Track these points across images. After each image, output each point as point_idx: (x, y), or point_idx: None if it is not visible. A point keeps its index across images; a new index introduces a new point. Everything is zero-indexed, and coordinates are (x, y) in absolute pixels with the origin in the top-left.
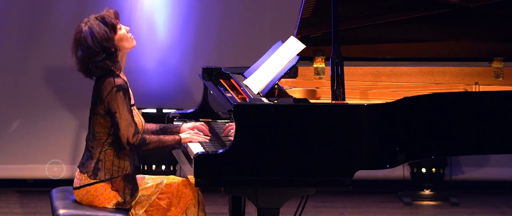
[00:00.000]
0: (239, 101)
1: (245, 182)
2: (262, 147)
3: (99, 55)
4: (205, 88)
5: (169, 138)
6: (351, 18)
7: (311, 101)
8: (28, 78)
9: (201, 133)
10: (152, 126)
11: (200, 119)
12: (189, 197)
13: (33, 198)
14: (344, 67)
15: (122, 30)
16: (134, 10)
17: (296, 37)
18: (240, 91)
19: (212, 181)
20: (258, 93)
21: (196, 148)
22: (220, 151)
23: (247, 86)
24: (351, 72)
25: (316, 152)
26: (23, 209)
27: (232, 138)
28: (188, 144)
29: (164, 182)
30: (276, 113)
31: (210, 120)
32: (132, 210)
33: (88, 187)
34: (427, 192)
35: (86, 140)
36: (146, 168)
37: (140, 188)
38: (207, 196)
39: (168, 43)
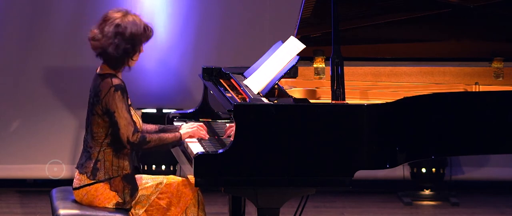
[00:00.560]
0: (239, 101)
1: (245, 182)
2: (262, 147)
3: (124, 45)
4: (205, 88)
5: (169, 135)
6: (351, 18)
7: (311, 101)
8: (28, 78)
9: (202, 129)
10: (151, 127)
11: (200, 119)
12: (189, 197)
13: (33, 198)
14: (344, 67)
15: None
16: (134, 10)
17: (296, 37)
18: (240, 91)
19: (212, 181)
20: (258, 93)
21: (196, 148)
22: (220, 151)
23: (247, 86)
24: (351, 72)
25: (316, 152)
26: (23, 209)
27: (232, 138)
28: (188, 144)
29: (164, 182)
30: (276, 113)
31: (210, 120)
32: (132, 210)
33: (87, 187)
34: (427, 192)
35: (84, 141)
36: (146, 168)
37: (140, 188)
38: (207, 196)
39: (168, 43)
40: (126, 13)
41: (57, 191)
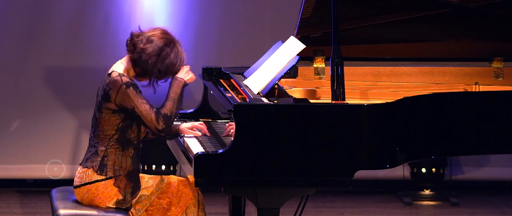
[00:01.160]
0: (239, 101)
1: (245, 182)
2: (262, 147)
3: (155, 68)
4: (205, 88)
5: (174, 89)
6: (351, 18)
7: (311, 101)
8: (28, 78)
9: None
10: None
11: (200, 119)
12: (189, 197)
13: (33, 198)
14: (344, 67)
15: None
16: (134, 10)
17: (296, 37)
18: (240, 91)
19: (212, 181)
20: (258, 93)
21: (196, 148)
22: (220, 151)
23: (247, 86)
24: (351, 72)
25: (316, 152)
26: (23, 209)
27: (232, 138)
28: (188, 144)
29: (164, 181)
30: (276, 113)
31: (210, 120)
32: (132, 210)
33: (88, 185)
34: (427, 192)
35: (89, 138)
36: (146, 168)
37: (141, 188)
38: (207, 196)
39: None
40: (174, 41)
41: (57, 191)
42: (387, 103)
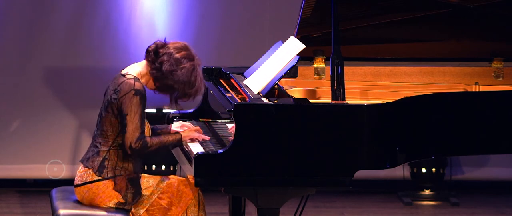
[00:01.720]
0: (239, 101)
1: (245, 182)
2: (262, 147)
3: (180, 89)
4: (205, 88)
5: (170, 137)
6: (351, 18)
7: (311, 101)
8: (28, 78)
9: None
10: None
11: (200, 119)
12: (189, 197)
13: (33, 198)
14: (344, 67)
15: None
16: (134, 10)
17: (296, 37)
18: (240, 91)
19: (212, 181)
20: (258, 93)
21: (196, 148)
22: (220, 151)
23: (247, 86)
24: (351, 72)
25: (316, 152)
26: (23, 209)
27: (232, 138)
28: (188, 144)
29: (165, 181)
30: (276, 113)
31: (210, 120)
32: (133, 210)
33: (89, 184)
34: (427, 192)
35: (93, 136)
36: (146, 168)
37: (142, 192)
38: (207, 196)
39: None
40: (194, 59)
41: (57, 191)
42: (387, 103)
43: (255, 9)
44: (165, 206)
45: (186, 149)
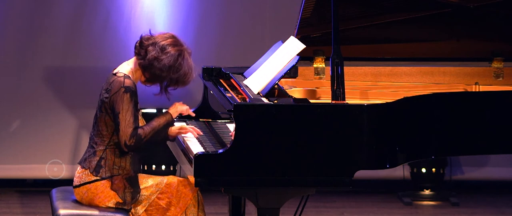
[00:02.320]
0: (239, 101)
1: (245, 182)
2: (262, 147)
3: (168, 76)
4: (205, 88)
5: (160, 120)
6: (351, 18)
7: (311, 101)
8: (28, 78)
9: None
10: None
11: (200, 119)
12: (188, 197)
13: (33, 198)
14: (344, 67)
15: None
16: (134, 10)
17: (296, 37)
18: (240, 91)
19: (212, 181)
20: (258, 93)
21: (196, 148)
22: (220, 151)
23: (247, 86)
24: (351, 72)
25: (316, 152)
26: (23, 209)
27: (232, 138)
28: (188, 144)
29: (164, 181)
30: (276, 113)
31: (210, 120)
32: (132, 209)
33: (88, 185)
34: (427, 192)
35: (90, 137)
36: (146, 168)
37: (140, 192)
38: (207, 196)
39: None
40: (184, 50)
41: (57, 191)
42: (387, 103)
43: (255, 9)
44: (164, 206)
45: (186, 149)
